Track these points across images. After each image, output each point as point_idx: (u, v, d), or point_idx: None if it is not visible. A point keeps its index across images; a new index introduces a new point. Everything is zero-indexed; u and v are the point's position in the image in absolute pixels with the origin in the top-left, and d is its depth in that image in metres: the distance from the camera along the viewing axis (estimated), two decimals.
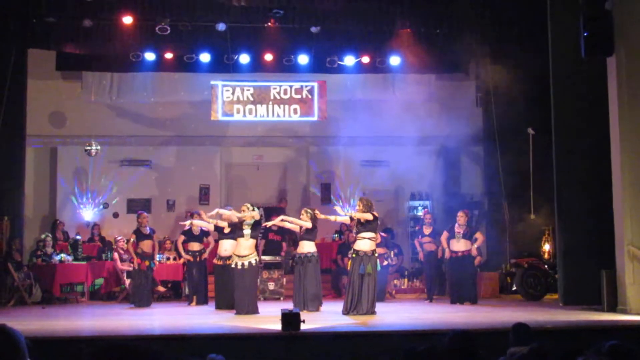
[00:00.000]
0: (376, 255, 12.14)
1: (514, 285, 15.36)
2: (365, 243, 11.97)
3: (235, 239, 12.65)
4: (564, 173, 13.14)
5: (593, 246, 12.62)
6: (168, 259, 15.80)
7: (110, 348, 3.00)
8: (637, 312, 11.04)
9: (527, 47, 15.20)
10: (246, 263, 12.23)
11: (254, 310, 12.11)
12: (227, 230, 13.09)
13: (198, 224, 14.06)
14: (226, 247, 13.34)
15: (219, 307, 13.19)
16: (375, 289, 12.04)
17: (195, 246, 14.53)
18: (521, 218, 15.79)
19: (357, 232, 12.11)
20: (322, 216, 12.84)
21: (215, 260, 13.78)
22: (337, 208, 13.23)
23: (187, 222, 14.10)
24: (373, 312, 11.73)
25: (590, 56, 11.85)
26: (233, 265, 12.34)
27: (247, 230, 12.33)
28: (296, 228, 13.22)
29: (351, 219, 12.46)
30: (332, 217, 12.99)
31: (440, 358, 4.24)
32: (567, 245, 13.04)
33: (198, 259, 14.48)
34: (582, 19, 11.74)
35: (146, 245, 14.08)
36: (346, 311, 11.77)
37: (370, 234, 12.03)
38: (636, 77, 11.52)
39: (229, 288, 12.76)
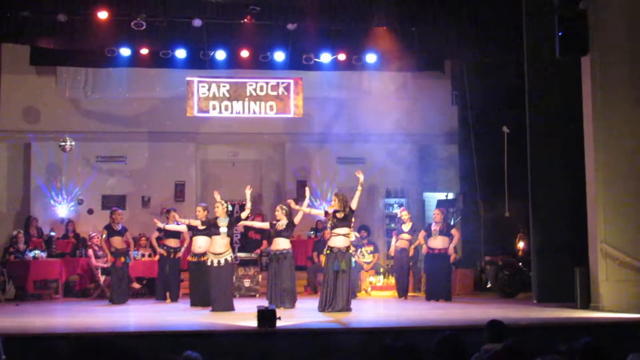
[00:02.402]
0: (351, 251, 12.17)
1: (489, 283, 15.47)
2: (339, 239, 11.99)
3: (210, 236, 12.63)
4: (538, 171, 13.26)
5: (567, 244, 12.75)
6: (143, 255, 15.72)
7: (90, 345, 3.00)
8: (610, 310, 11.16)
9: (503, 46, 15.29)
10: (222, 260, 12.21)
11: (230, 307, 12.10)
12: (201, 227, 13.05)
13: (171, 228, 14.03)
14: (200, 244, 13.31)
15: (194, 304, 13.15)
16: (350, 286, 12.07)
17: (172, 242, 14.46)
18: (496, 216, 15.87)
19: (332, 228, 12.11)
20: (296, 207, 12.84)
21: (189, 257, 13.75)
22: (307, 191, 13.19)
23: (161, 225, 14.05)
24: (348, 309, 11.75)
25: (565, 56, 11.95)
26: (209, 263, 12.31)
27: (223, 229, 12.30)
28: (265, 226, 13.30)
29: (326, 213, 12.47)
30: (306, 209, 12.88)
31: (418, 355, 4.27)
32: (541, 243, 13.17)
33: (172, 256, 14.40)
34: (556, 18, 11.83)
35: (117, 242, 14.00)
36: (322, 308, 11.78)
37: (346, 230, 12.05)
38: (610, 77, 11.62)
39: (204, 285, 12.76)
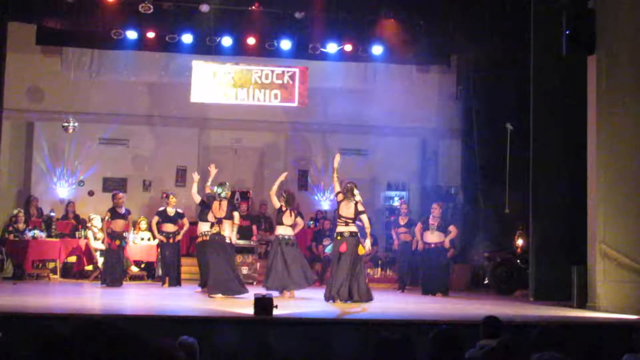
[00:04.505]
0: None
1: (486, 279, 15.47)
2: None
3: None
4: (539, 169, 13.25)
5: (565, 243, 12.77)
6: (142, 239, 15.73)
7: (86, 326, 2.99)
8: (606, 310, 11.16)
9: (510, 42, 15.27)
10: (222, 237, 12.18)
11: (240, 290, 12.02)
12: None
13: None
14: (206, 227, 13.25)
15: (202, 285, 13.14)
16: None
17: (169, 227, 14.46)
18: (496, 212, 15.87)
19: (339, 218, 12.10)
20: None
21: (198, 240, 13.68)
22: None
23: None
24: (369, 299, 11.72)
25: (572, 54, 11.92)
26: (208, 238, 12.32)
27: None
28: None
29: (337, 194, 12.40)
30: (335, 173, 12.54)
31: (413, 348, 4.27)
32: (540, 241, 13.17)
33: (171, 240, 14.39)
34: (564, 16, 11.81)
35: (117, 225, 13.98)
36: (330, 297, 11.72)
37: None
38: (615, 76, 11.59)
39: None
